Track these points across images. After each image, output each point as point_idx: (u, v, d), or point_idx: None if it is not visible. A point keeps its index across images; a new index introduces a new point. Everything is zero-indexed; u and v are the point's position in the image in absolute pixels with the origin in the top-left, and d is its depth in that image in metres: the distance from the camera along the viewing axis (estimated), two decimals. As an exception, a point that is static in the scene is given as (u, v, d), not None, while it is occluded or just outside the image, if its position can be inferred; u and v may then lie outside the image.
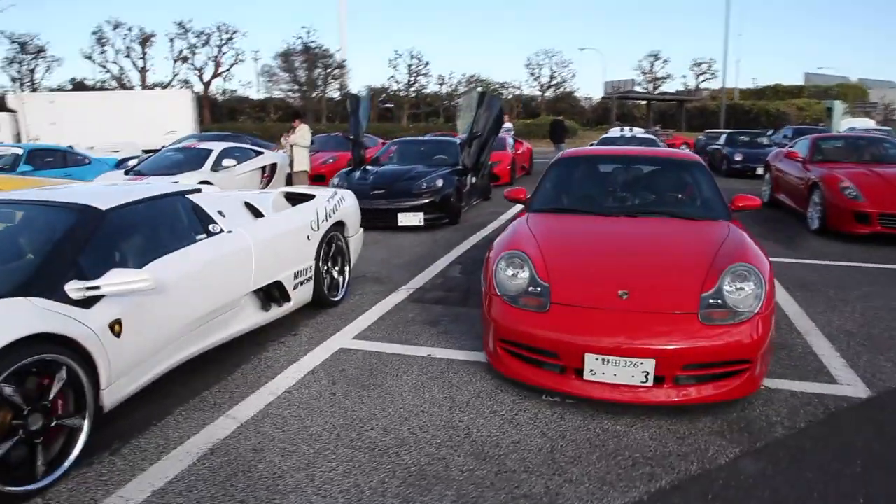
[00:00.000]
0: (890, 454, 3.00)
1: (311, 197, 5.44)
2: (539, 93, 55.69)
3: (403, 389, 3.76)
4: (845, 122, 30.12)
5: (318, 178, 12.80)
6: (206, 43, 43.87)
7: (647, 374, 3.20)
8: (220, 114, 45.67)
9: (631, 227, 4.41)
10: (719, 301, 3.39)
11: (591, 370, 3.27)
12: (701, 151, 23.10)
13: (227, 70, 46.12)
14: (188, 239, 3.91)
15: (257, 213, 4.76)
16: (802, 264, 6.98)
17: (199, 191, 4.48)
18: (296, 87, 43.73)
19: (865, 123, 29.06)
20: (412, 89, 50.69)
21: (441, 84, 52.96)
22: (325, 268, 5.25)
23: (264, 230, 4.53)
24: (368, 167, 10.45)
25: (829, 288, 5.99)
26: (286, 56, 43.36)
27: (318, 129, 34.79)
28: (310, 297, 5.02)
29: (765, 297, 3.42)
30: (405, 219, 8.79)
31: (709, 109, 50.80)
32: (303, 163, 11.52)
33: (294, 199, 5.48)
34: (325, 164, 13.89)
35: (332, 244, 5.37)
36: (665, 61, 56.43)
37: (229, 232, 4.19)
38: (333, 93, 44.79)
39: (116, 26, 43.30)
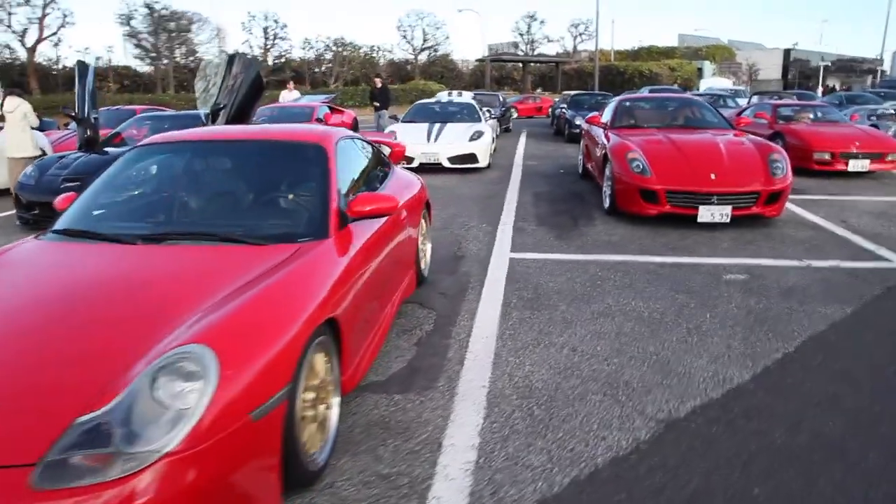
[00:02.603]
0: None
1: None
2: (412, 56, 53.55)
3: None
4: (705, 83, 30.12)
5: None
6: (26, 2, 37.93)
7: None
8: (53, 84, 40.33)
9: (125, 267, 2.68)
10: (106, 431, 1.70)
11: None
12: (553, 115, 22.10)
13: (54, 34, 40.37)
14: None
15: None
16: (559, 262, 5.55)
17: None
18: (143, 54, 39.59)
19: (721, 83, 29.10)
20: (270, 54, 47.13)
21: (306, 48, 49.81)
22: None
23: None
24: (107, 150, 8.19)
25: (565, 301, 4.56)
26: (128, 20, 39.06)
27: (161, 101, 31.31)
28: None
29: (199, 415, 1.76)
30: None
31: (586, 71, 50.61)
32: (20, 147, 8.94)
33: None
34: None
35: None
36: (542, 22, 55.83)
37: None
38: (183, 59, 40.90)
39: None
